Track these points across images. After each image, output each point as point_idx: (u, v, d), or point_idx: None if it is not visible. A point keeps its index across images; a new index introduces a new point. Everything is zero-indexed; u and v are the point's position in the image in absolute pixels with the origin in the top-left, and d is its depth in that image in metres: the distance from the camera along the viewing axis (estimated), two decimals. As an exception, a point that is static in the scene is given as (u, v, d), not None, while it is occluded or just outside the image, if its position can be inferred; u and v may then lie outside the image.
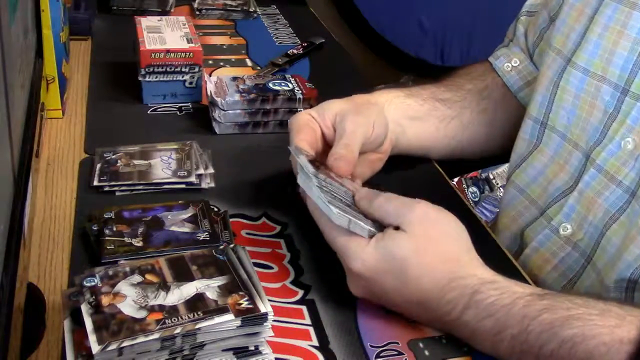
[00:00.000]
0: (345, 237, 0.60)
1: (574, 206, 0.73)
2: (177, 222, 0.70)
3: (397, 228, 0.60)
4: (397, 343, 0.60)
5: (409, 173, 0.87)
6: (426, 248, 0.59)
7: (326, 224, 0.62)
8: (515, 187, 0.82)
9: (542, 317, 0.54)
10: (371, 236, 0.60)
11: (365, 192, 0.65)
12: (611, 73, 0.70)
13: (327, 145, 0.73)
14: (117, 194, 0.76)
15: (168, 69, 0.95)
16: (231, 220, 0.73)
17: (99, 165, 0.79)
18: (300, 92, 0.92)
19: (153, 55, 0.93)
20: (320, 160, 0.70)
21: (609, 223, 0.69)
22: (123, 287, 0.53)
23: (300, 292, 0.65)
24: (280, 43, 1.25)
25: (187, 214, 0.72)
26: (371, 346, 0.59)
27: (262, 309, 0.52)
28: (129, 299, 0.52)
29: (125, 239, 0.67)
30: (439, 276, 0.58)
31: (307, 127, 0.73)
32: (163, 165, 0.80)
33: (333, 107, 0.74)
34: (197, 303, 0.52)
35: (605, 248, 0.69)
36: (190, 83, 0.97)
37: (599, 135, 0.70)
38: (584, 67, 0.73)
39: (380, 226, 0.62)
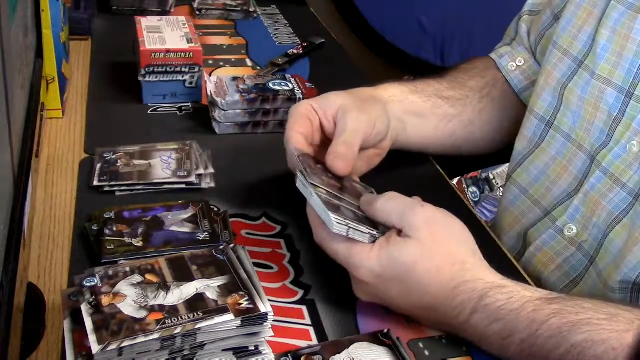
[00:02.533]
0: (346, 245, 0.60)
1: (579, 207, 0.73)
2: (177, 222, 0.70)
3: (400, 231, 0.60)
4: (397, 343, 0.60)
5: (409, 173, 0.87)
6: (432, 253, 0.58)
7: (325, 235, 0.61)
8: (517, 186, 0.82)
9: (550, 321, 0.54)
10: (372, 241, 0.60)
11: (368, 196, 0.64)
12: (617, 76, 0.70)
13: (326, 137, 0.73)
14: (117, 194, 0.76)
15: (168, 69, 0.95)
16: (231, 220, 0.73)
17: (99, 165, 0.79)
18: (300, 92, 0.92)
19: (153, 55, 0.93)
20: (316, 157, 0.70)
21: (612, 225, 0.69)
22: (123, 287, 0.53)
23: (300, 292, 0.65)
24: (280, 43, 1.25)
25: (187, 214, 0.72)
26: (371, 346, 0.60)
27: (262, 309, 0.52)
28: (129, 299, 0.52)
29: (125, 239, 0.67)
30: (445, 281, 0.58)
31: (305, 118, 0.72)
32: (163, 165, 0.80)
33: (336, 100, 0.73)
34: (197, 303, 0.52)
35: (607, 249, 0.69)
36: (190, 83, 0.97)
37: (605, 137, 0.71)
38: (592, 69, 0.73)
39: (382, 228, 0.61)
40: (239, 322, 0.52)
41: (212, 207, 0.74)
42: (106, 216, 0.70)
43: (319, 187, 0.63)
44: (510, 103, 0.90)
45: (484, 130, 0.89)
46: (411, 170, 0.87)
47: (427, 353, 0.59)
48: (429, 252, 0.58)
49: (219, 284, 0.54)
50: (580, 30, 0.76)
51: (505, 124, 0.90)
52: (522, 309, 0.55)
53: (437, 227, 0.59)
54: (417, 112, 0.83)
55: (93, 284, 0.53)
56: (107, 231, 0.68)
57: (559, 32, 0.79)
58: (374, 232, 0.60)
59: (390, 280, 0.59)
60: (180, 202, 0.73)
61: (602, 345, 0.51)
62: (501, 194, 0.96)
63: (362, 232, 0.60)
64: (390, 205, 0.61)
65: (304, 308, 0.63)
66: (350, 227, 0.59)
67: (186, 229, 0.70)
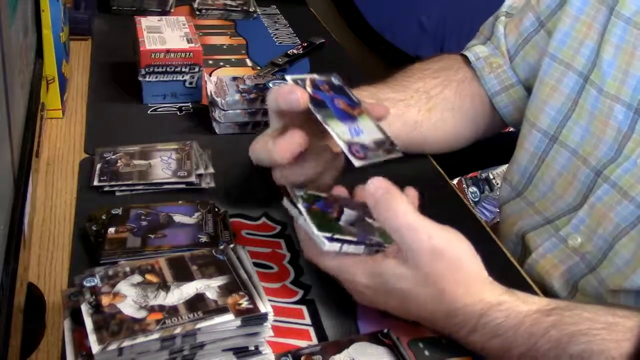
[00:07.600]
0: (336, 261, 0.59)
1: (583, 219, 0.73)
2: (178, 222, 0.70)
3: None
4: (397, 343, 0.60)
5: (409, 173, 0.87)
6: (432, 282, 0.57)
7: (315, 252, 0.61)
8: (523, 199, 0.82)
9: (549, 334, 0.54)
10: (368, 253, 0.59)
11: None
12: (624, 93, 0.70)
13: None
14: (117, 194, 0.76)
15: (168, 69, 0.95)
16: (231, 220, 0.73)
17: (99, 165, 0.79)
18: (300, 92, 0.92)
19: (153, 55, 0.93)
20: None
21: (618, 237, 0.69)
22: (123, 287, 0.53)
23: (300, 292, 0.65)
24: (280, 43, 1.25)
25: (189, 214, 0.72)
26: (371, 346, 0.59)
27: (262, 309, 0.52)
28: (129, 299, 0.52)
29: (126, 239, 0.67)
30: (446, 302, 0.57)
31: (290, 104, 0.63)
32: (163, 165, 0.80)
33: None
34: (197, 303, 0.52)
35: (612, 260, 0.70)
36: (190, 83, 0.97)
37: (614, 153, 0.71)
38: (599, 85, 0.73)
39: (377, 234, 0.61)
40: (239, 322, 0.52)
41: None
42: (106, 216, 0.70)
43: (315, 194, 0.62)
44: (480, 103, 0.88)
45: (438, 130, 0.86)
46: (411, 170, 0.87)
47: (427, 353, 0.59)
48: (428, 281, 0.57)
49: (219, 284, 0.54)
50: (581, 44, 0.75)
51: (472, 123, 0.88)
52: (521, 324, 0.55)
53: (439, 257, 0.56)
54: None
55: (93, 284, 0.53)
56: (107, 231, 0.67)
57: (557, 45, 0.78)
58: (369, 243, 0.60)
59: (385, 293, 0.59)
60: (180, 202, 0.73)
61: (601, 355, 0.51)
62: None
63: (357, 245, 0.59)
64: (395, 223, 0.57)
65: (304, 308, 0.63)
66: (343, 244, 0.59)
67: (187, 229, 0.69)
